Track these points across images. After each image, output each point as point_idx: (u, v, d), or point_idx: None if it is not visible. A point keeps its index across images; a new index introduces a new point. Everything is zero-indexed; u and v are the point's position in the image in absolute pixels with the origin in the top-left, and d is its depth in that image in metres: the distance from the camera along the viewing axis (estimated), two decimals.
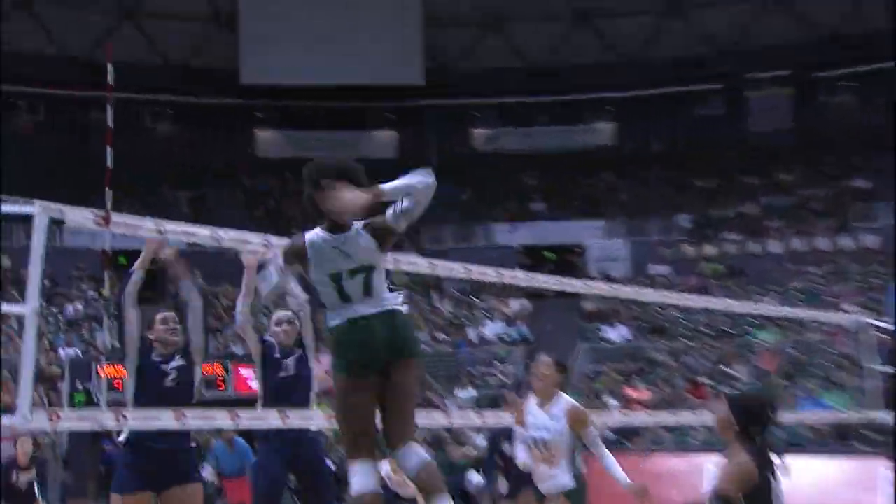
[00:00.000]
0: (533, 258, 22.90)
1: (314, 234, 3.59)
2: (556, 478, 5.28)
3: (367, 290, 3.50)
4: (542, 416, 5.34)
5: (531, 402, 5.44)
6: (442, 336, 20.68)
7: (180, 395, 4.70)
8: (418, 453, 3.43)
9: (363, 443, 3.44)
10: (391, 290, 3.61)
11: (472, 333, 20.70)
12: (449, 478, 8.79)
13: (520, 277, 6.59)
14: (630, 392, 16.73)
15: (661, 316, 19.94)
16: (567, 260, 23.43)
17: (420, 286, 23.45)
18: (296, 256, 3.58)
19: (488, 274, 6.02)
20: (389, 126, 28.04)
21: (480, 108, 27.71)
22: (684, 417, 9.90)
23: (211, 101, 26.65)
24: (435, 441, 12.28)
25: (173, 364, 4.78)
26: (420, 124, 27.68)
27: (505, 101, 27.41)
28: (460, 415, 8.21)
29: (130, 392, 4.76)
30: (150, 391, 4.67)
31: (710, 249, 22.04)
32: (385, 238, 3.52)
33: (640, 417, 9.26)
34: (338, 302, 3.50)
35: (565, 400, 5.39)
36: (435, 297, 23.09)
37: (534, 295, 21.05)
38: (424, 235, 23.41)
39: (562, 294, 19.51)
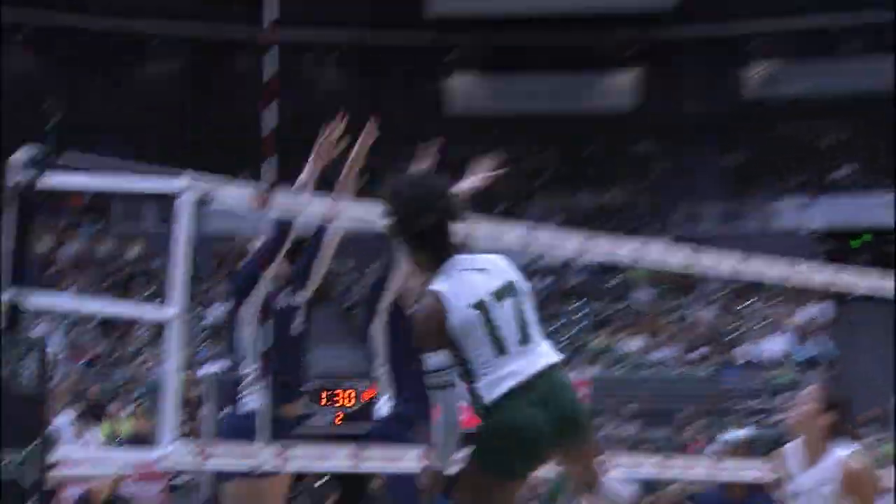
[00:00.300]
0: (836, 245, 22.84)
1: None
2: None
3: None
4: (805, 476, 5.28)
5: (793, 455, 5.38)
6: (698, 355, 21.63)
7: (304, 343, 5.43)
8: (620, 481, 3.94)
9: None
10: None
11: (742, 353, 21.20)
12: None
13: (816, 275, 6.13)
14: None
15: None
16: (884, 250, 23.03)
17: (670, 286, 24.41)
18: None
19: (773, 270, 5.78)
20: (630, 65, 28.21)
21: (755, 37, 27.55)
22: None
23: (392, 38, 27.57)
24: None
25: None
26: (668, 64, 27.79)
27: (794, 27, 26.93)
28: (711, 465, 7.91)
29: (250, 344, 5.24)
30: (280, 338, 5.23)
31: None
32: None
33: None
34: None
35: (840, 453, 5.19)
36: (690, 302, 23.75)
37: (837, 296, 20.91)
38: (679, 216, 23.98)
39: (871, 297, 19.35)
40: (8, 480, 3.96)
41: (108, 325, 21.49)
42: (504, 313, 3.86)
